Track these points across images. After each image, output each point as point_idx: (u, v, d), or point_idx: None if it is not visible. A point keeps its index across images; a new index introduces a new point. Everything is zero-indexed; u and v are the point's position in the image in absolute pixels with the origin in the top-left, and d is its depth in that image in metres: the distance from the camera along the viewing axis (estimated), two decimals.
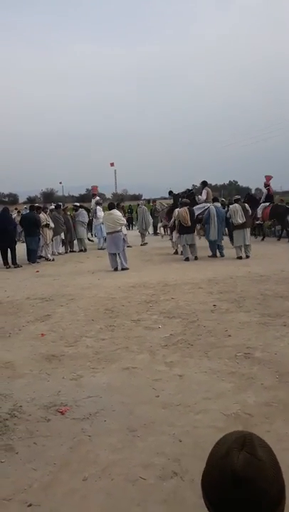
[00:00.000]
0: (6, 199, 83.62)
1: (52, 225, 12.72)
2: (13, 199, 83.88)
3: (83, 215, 14.97)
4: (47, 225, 12.50)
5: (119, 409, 3.17)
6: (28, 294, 7.60)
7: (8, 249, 11.64)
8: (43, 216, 12.61)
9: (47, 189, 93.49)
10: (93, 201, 16.22)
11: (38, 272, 10.43)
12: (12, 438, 2.86)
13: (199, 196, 13.27)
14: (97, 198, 16.63)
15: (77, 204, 16.19)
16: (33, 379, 3.84)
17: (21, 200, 78.13)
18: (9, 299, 7.29)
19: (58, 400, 3.36)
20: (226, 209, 11.88)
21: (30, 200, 71.17)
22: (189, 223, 10.72)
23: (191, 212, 10.91)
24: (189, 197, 12.66)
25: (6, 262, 11.59)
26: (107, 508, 2.17)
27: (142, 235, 15.71)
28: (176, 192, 14.67)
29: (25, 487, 2.36)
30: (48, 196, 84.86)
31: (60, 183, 77.43)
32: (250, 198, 15.11)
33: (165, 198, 21.70)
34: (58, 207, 15.35)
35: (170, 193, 15.31)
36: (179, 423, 2.94)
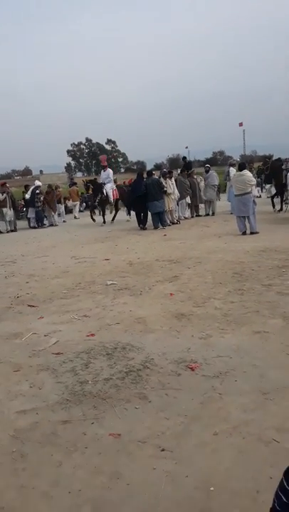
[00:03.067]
0: (134, 167, 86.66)
1: (169, 190, 12.79)
2: (140, 166, 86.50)
3: (213, 178, 14.73)
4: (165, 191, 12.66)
5: (250, 371, 3.10)
6: (156, 256, 7.85)
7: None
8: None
9: (173, 155, 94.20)
10: (103, 173, 15.45)
11: (165, 235, 10.68)
12: (145, 387, 3.01)
13: None
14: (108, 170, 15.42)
15: (208, 166, 15.91)
16: (164, 335, 3.97)
17: (148, 167, 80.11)
18: (140, 260, 7.62)
19: (187, 357, 3.43)
20: None
21: (157, 167, 72.54)
22: None
23: None
24: None
25: (143, 224, 12.62)
26: (238, 464, 2.15)
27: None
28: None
29: (158, 433, 2.48)
30: (174, 162, 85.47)
31: (186, 147, 77.10)
32: None
33: None
34: (182, 171, 15.40)
35: (184, 159, 17.02)
36: None
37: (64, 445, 2.41)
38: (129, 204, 15.02)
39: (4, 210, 15.45)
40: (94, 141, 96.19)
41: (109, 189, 14.88)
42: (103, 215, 15.37)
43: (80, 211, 21.59)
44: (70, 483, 2.11)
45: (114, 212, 16.08)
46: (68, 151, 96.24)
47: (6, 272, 7.59)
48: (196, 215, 14.84)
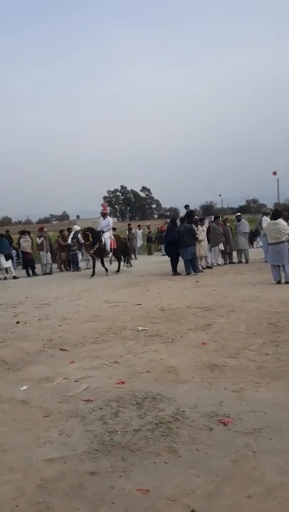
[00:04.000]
0: (168, 213, 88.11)
1: (201, 237, 12.87)
2: (173, 212, 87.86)
3: (244, 226, 14.75)
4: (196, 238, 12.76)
5: (285, 429, 2.96)
6: (188, 302, 7.79)
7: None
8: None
9: (206, 202, 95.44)
10: (103, 221, 14.68)
11: (197, 282, 10.63)
12: (175, 441, 2.92)
13: None
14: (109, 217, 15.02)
15: (239, 214, 15.98)
16: (195, 386, 3.87)
17: (182, 213, 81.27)
18: (171, 306, 7.58)
19: (220, 410, 3.32)
20: None
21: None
22: None
23: None
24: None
25: (174, 269, 12.69)
26: None
27: None
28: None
29: (188, 491, 2.37)
30: (207, 209, 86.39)
31: (220, 195, 78.25)
32: None
33: None
34: (216, 218, 15.55)
35: (186, 207, 15.98)
36: None
37: (91, 498, 2.35)
38: (126, 253, 15.45)
39: (41, 253, 15.96)
40: (129, 188, 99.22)
41: (108, 238, 14.25)
42: (94, 266, 14.28)
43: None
44: None
45: (114, 260, 15.28)
46: (104, 198, 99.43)
47: (40, 314, 7.72)
48: (230, 262, 14.75)
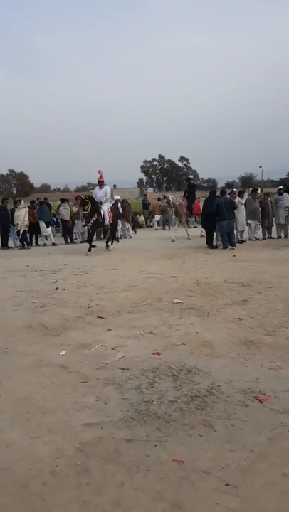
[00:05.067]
0: (206, 184, 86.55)
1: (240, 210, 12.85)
2: (212, 184, 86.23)
3: (287, 200, 14.28)
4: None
5: None
6: (225, 277, 7.71)
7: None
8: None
9: (246, 173, 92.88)
10: (99, 191, 12.80)
11: (234, 256, 10.47)
12: (210, 415, 2.94)
13: None
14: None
15: (281, 188, 15.46)
16: (231, 361, 3.86)
17: (220, 185, 79.58)
18: (207, 280, 7.52)
19: (256, 387, 3.30)
20: None
21: (229, 186, 71.89)
22: None
23: None
24: None
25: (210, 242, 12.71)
26: None
27: None
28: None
29: (222, 466, 2.40)
30: (246, 181, 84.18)
31: (260, 167, 75.80)
32: None
33: None
34: (254, 191, 15.18)
35: (188, 180, 15.92)
36: None
37: (127, 465, 2.42)
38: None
39: (77, 222, 16.15)
40: (166, 158, 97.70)
41: (106, 211, 12.75)
42: (90, 240, 12.85)
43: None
44: (131, 505, 2.10)
45: (108, 236, 13.70)
46: (142, 167, 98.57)
47: (78, 281, 7.87)
48: (269, 237, 14.41)
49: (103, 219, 12.61)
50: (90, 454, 2.53)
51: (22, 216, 14.47)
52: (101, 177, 12.91)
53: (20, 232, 14.66)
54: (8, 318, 5.45)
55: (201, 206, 14.47)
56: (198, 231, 15.74)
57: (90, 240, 12.85)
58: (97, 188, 13.06)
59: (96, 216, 12.33)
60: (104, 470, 2.38)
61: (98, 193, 12.75)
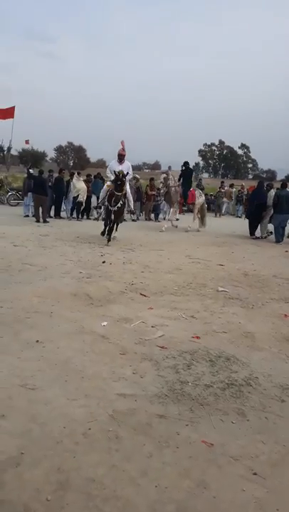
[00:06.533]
0: (264, 175, 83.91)
1: None
2: (271, 175, 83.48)
3: None
4: None
5: None
6: (274, 271, 7.51)
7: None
8: None
9: None
10: (120, 166, 9.93)
11: (287, 251, 10.16)
12: (245, 405, 2.92)
13: None
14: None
15: None
16: (272, 356, 3.79)
17: (279, 177, 76.79)
18: (255, 272, 7.37)
19: None
20: None
21: (287, 178, 69.19)
22: None
23: None
24: None
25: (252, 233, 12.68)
26: None
27: None
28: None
29: (252, 455, 2.39)
30: None
31: None
32: None
33: None
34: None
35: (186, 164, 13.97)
36: None
37: (157, 439, 2.46)
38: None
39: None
40: (226, 144, 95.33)
41: (130, 193, 10.52)
42: (110, 230, 9.98)
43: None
44: (157, 477, 2.15)
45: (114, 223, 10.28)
46: (199, 151, 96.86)
47: (125, 258, 7.97)
48: None
49: (128, 204, 10.52)
50: (122, 423, 2.59)
51: (84, 188, 14.73)
52: (123, 149, 10.34)
53: (80, 203, 14.90)
54: (55, 284, 5.63)
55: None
56: (185, 223, 14.01)
57: (110, 231, 9.99)
58: (115, 162, 10.34)
59: (122, 201, 9.81)
60: (134, 440, 2.44)
61: (118, 170, 9.72)
